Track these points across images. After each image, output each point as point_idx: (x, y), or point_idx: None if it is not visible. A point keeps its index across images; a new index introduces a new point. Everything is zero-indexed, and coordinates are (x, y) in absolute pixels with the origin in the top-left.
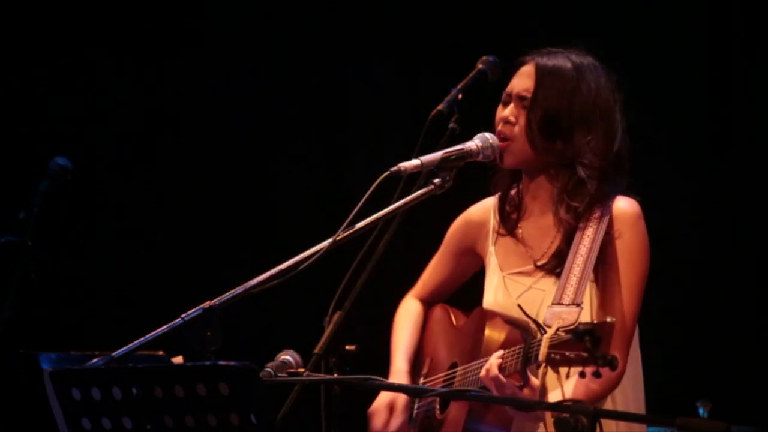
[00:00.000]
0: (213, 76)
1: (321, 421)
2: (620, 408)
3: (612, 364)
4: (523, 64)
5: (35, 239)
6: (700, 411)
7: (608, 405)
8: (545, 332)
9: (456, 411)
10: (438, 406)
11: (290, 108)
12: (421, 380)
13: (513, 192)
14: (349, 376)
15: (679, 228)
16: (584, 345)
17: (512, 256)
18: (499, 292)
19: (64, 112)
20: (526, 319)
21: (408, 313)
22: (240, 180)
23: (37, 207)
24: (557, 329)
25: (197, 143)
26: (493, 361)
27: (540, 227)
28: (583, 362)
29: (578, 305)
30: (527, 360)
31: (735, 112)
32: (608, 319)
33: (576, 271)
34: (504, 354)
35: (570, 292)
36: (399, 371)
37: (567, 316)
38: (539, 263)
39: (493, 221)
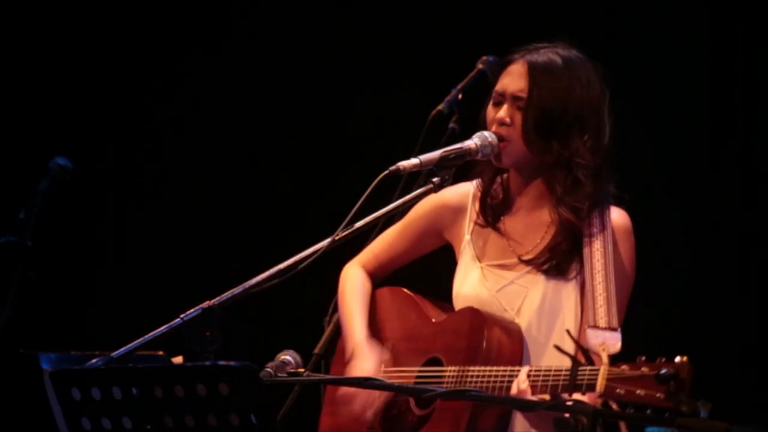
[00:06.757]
0: (213, 75)
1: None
2: None
3: (695, 412)
4: (511, 62)
5: (35, 239)
6: (701, 411)
7: None
8: (589, 359)
9: (452, 412)
10: (413, 402)
11: (290, 107)
12: (382, 367)
13: (495, 185)
14: (349, 376)
15: (680, 226)
16: (666, 387)
17: (491, 248)
18: (478, 284)
19: (64, 112)
20: (503, 314)
21: (358, 285)
22: (240, 179)
23: (37, 207)
24: (609, 358)
25: (197, 143)
26: (523, 379)
27: (528, 223)
28: (658, 403)
29: (615, 330)
30: (575, 388)
31: (736, 113)
32: (682, 359)
33: (600, 289)
34: (531, 372)
35: (602, 313)
36: (363, 340)
37: (611, 342)
38: (525, 257)
39: (471, 210)
